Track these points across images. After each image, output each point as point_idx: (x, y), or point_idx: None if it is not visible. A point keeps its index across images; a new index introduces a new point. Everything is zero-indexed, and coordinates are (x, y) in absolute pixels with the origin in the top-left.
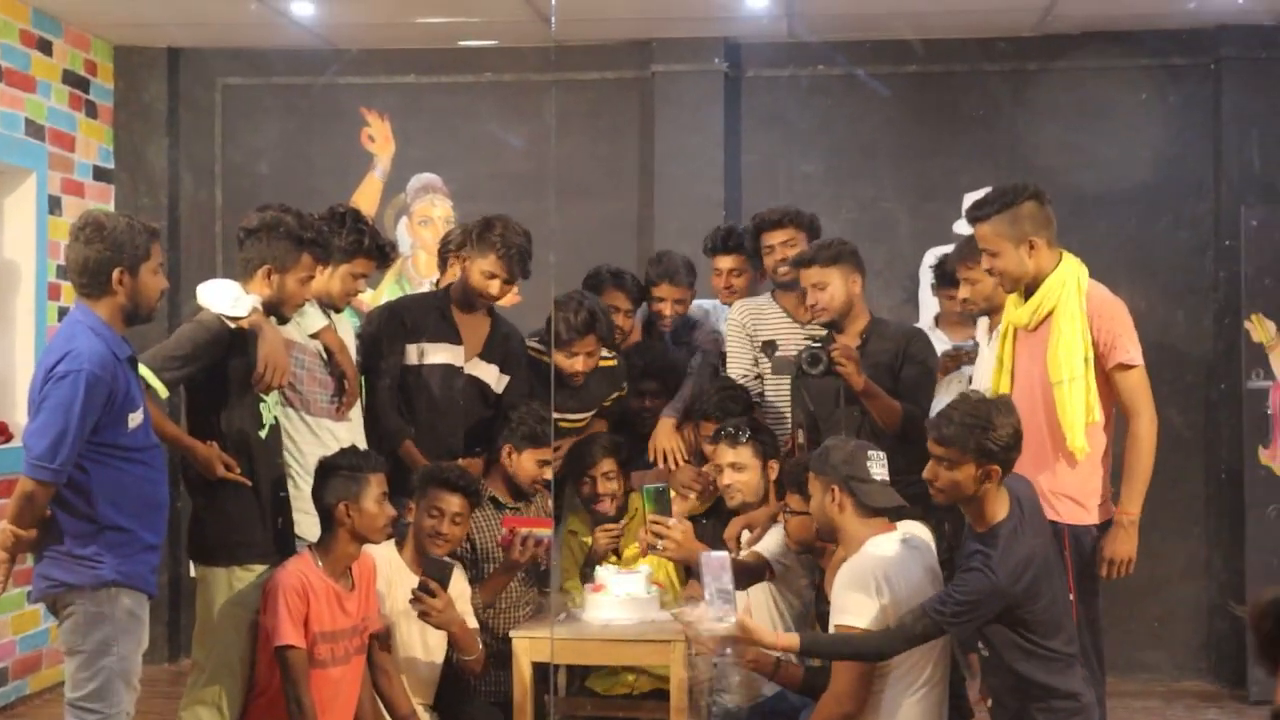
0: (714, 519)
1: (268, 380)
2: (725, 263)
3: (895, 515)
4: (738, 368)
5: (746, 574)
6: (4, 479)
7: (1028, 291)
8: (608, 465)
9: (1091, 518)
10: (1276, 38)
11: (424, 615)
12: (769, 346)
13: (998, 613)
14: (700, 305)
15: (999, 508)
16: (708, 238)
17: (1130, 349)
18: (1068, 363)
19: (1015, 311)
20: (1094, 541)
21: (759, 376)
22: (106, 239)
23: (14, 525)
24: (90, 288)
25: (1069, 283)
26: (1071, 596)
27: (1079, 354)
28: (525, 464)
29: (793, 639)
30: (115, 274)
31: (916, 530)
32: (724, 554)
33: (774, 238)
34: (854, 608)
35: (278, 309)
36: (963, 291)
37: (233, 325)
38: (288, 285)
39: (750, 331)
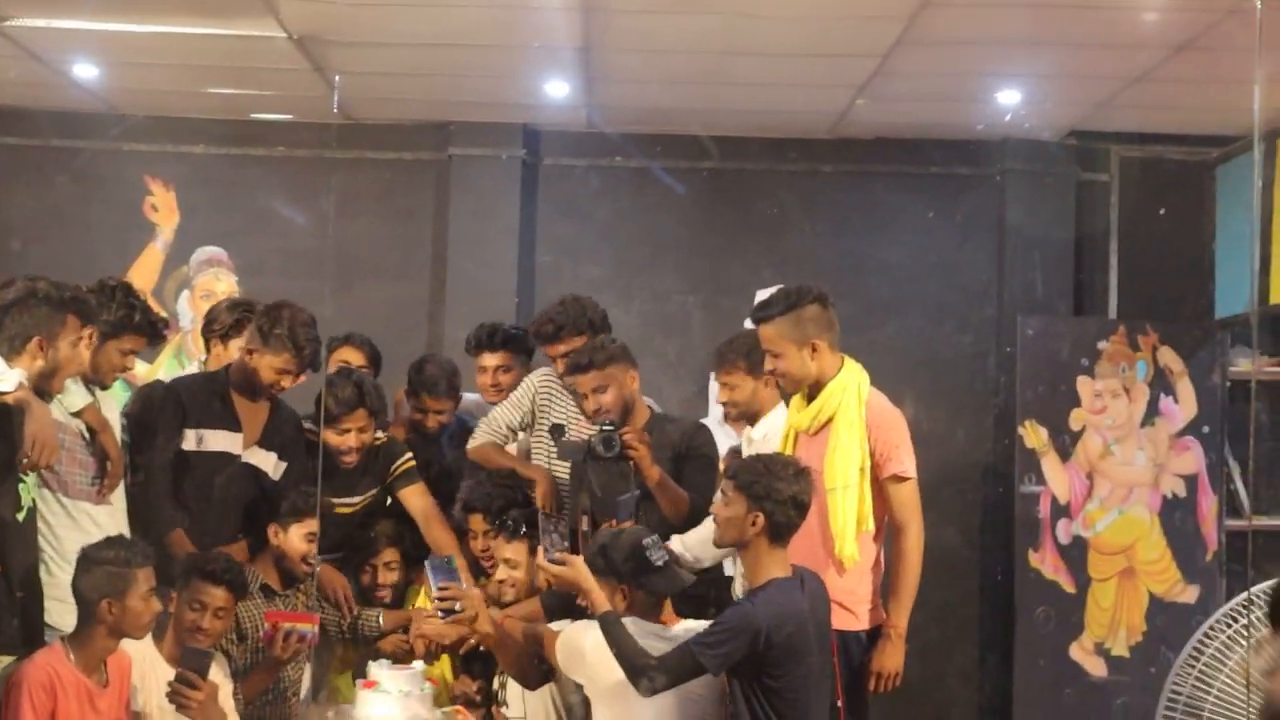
0: None
1: (35, 459)
2: (490, 360)
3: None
4: (501, 424)
5: (536, 673)
6: None
7: (810, 395)
8: (390, 555)
9: (860, 624)
10: (1057, 153)
11: (183, 709)
12: (556, 430)
13: (750, 655)
14: (471, 399)
15: (774, 567)
16: (470, 336)
17: (905, 461)
18: (843, 470)
19: (796, 415)
20: (863, 648)
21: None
22: None
23: None
24: None
25: (850, 389)
26: (839, 703)
27: (854, 462)
28: (292, 540)
29: (605, 604)
30: None
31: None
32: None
33: (556, 350)
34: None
35: (50, 380)
36: (722, 395)
37: None
38: (61, 351)
39: (538, 404)
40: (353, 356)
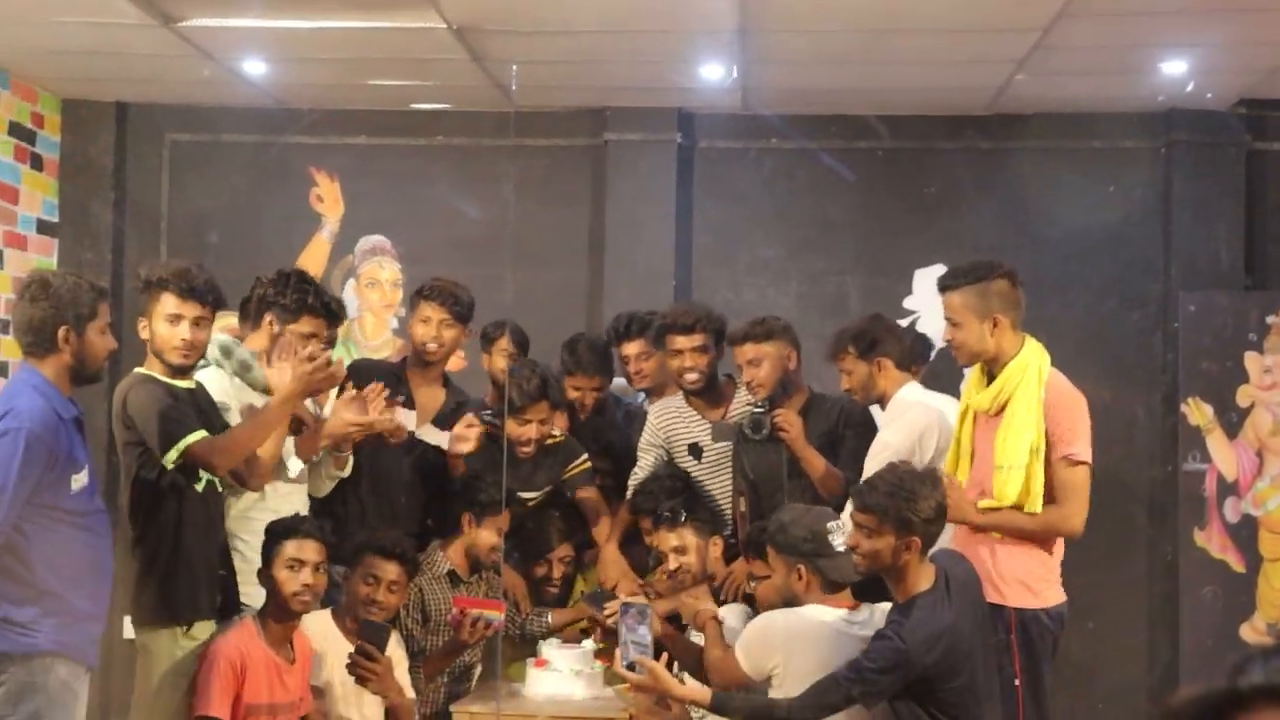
0: None
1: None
2: (632, 349)
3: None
4: (647, 470)
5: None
6: None
7: (990, 375)
8: (564, 550)
9: (1039, 601)
10: (1224, 122)
11: (361, 680)
12: (695, 449)
13: (907, 683)
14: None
15: (920, 580)
16: (608, 328)
17: (1077, 445)
18: (1014, 449)
19: (976, 395)
20: (1047, 627)
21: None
22: (52, 298)
23: None
24: (35, 346)
25: (1030, 369)
26: (1017, 682)
27: (1027, 442)
28: (484, 533)
29: (703, 692)
30: (61, 333)
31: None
32: (645, 605)
33: (681, 342)
34: (744, 656)
35: (159, 356)
36: (843, 383)
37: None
38: (155, 329)
39: (666, 436)
40: (506, 345)
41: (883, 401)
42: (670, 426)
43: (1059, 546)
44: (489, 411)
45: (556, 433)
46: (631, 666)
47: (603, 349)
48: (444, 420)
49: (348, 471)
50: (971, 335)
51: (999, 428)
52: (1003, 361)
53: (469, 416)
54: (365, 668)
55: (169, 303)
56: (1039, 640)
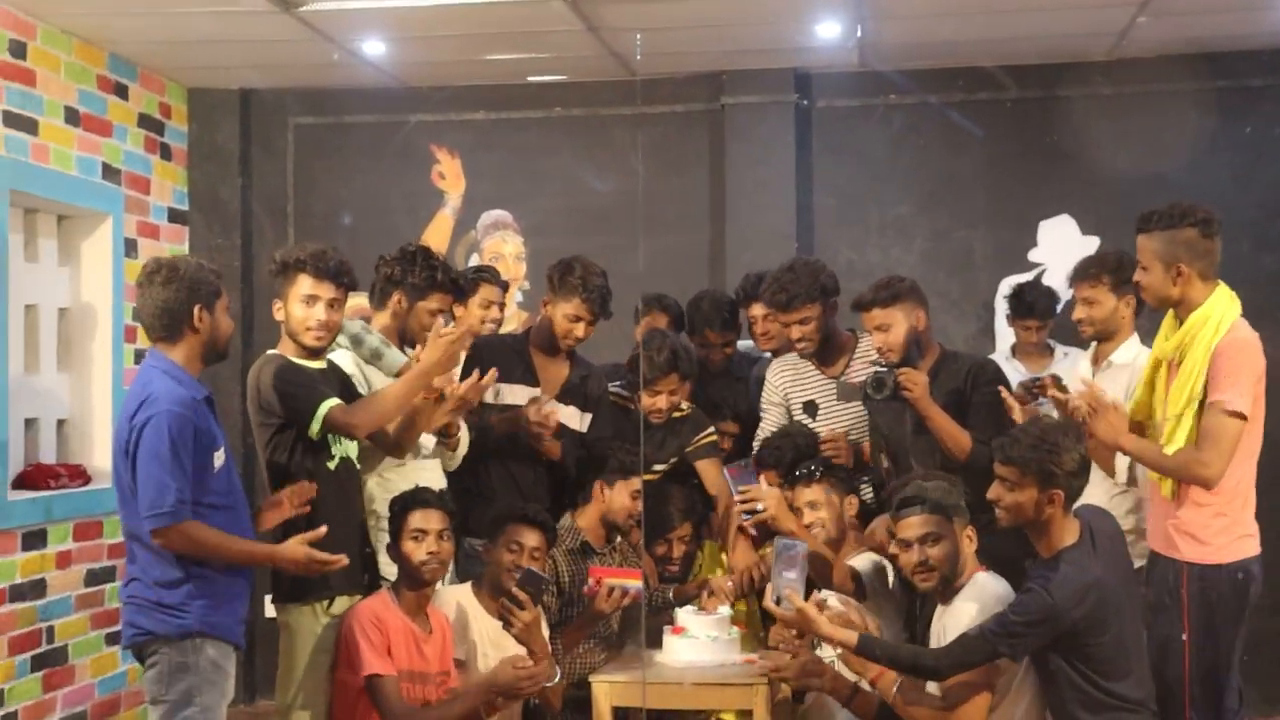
0: None
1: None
2: (759, 310)
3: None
4: (771, 428)
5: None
6: (81, 520)
7: (1180, 322)
8: (684, 530)
9: (1214, 556)
10: None
11: (510, 626)
12: (810, 407)
13: (1055, 637)
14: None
15: (1065, 534)
16: (738, 287)
17: (1228, 392)
18: (1176, 400)
19: (1162, 344)
20: (1226, 581)
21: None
22: (183, 280)
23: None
24: (168, 330)
25: (1211, 320)
26: (1184, 637)
27: (1188, 392)
28: (618, 497)
29: (850, 635)
30: (196, 312)
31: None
32: (802, 544)
33: (783, 317)
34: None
35: (294, 337)
36: (1079, 312)
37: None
38: (290, 310)
39: (785, 394)
40: (659, 321)
41: (1109, 339)
42: (788, 383)
43: (1241, 498)
44: (619, 383)
45: (685, 406)
46: (779, 603)
47: (728, 306)
48: (570, 394)
49: (463, 449)
50: (1154, 280)
51: (1177, 376)
52: (1188, 309)
53: (536, 408)
54: (515, 615)
55: (305, 284)
56: (1215, 596)
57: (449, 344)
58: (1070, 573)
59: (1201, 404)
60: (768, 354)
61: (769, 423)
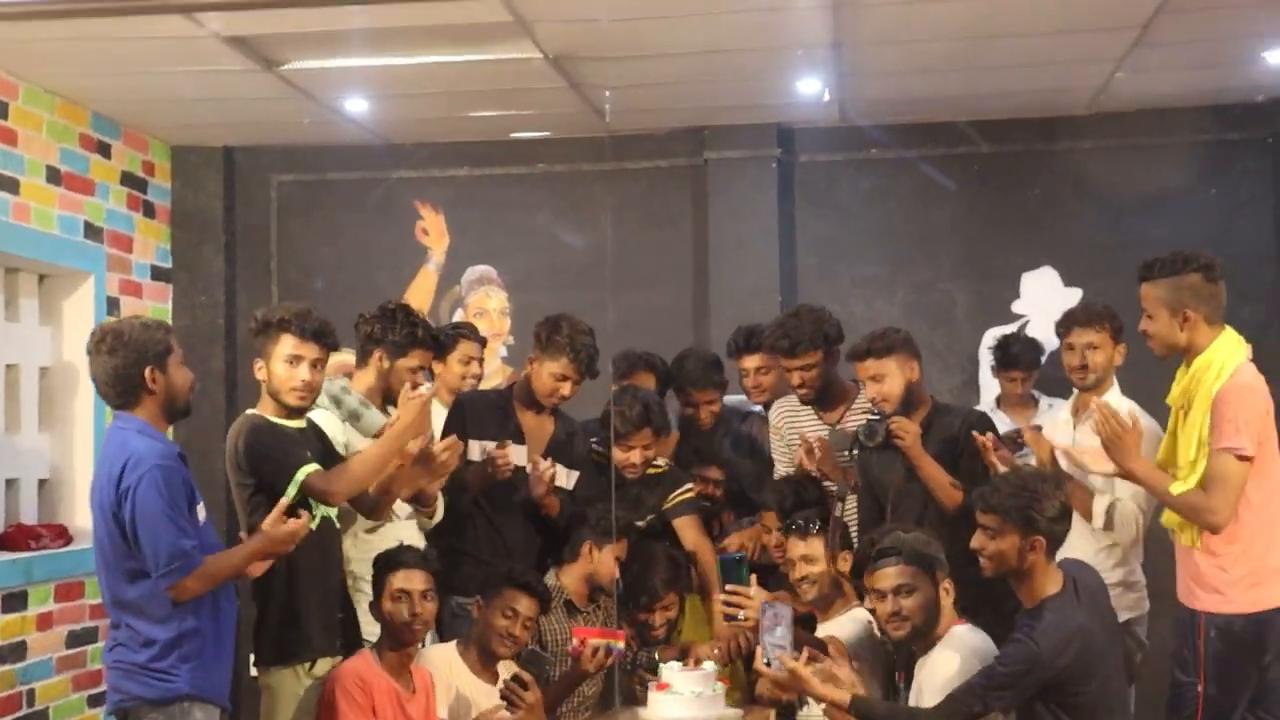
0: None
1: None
2: (751, 362)
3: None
4: (784, 469)
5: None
6: (63, 581)
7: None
8: (669, 599)
9: (1231, 606)
10: None
11: (513, 707)
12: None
13: (1041, 687)
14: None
15: (1048, 583)
16: (730, 340)
17: (1232, 436)
18: (1185, 449)
19: (1174, 391)
20: (1246, 630)
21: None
22: (128, 345)
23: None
24: (124, 396)
25: (1214, 365)
26: (1200, 689)
27: (1195, 440)
28: (605, 560)
29: (843, 695)
30: (148, 374)
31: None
32: (786, 607)
33: (785, 363)
34: None
35: (276, 397)
36: (1073, 359)
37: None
38: (273, 370)
39: (785, 434)
40: (645, 380)
41: (1100, 390)
42: (786, 424)
43: (1263, 545)
44: (596, 440)
45: (660, 462)
46: (770, 665)
47: (713, 362)
48: (557, 451)
49: (438, 517)
50: (1161, 328)
51: (1185, 423)
52: (1194, 355)
53: (497, 452)
54: (519, 695)
55: (288, 344)
56: (1231, 647)
57: (421, 404)
58: (1054, 620)
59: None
60: (758, 407)
61: (782, 465)
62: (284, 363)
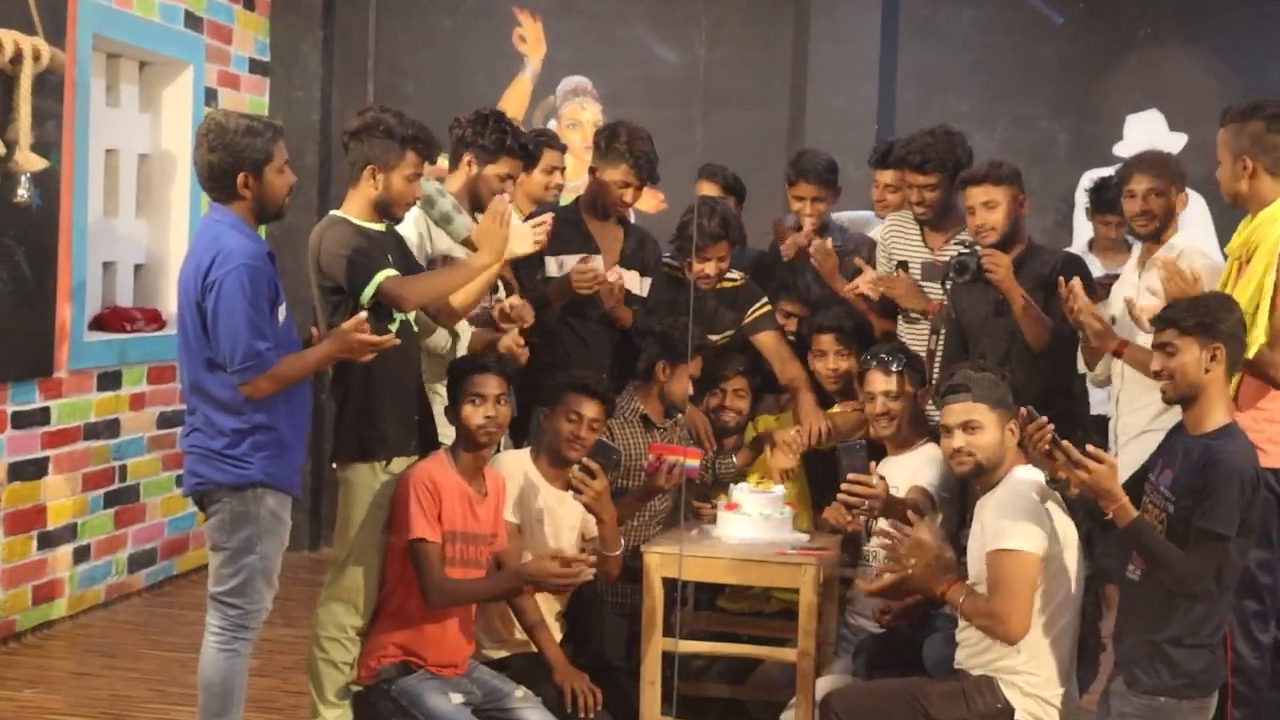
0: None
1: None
2: (885, 178)
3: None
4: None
5: (908, 508)
6: (155, 364)
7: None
8: (739, 383)
9: (1270, 460)
10: None
11: (580, 495)
12: (901, 267)
13: (1250, 502)
14: (846, 217)
15: (1227, 410)
16: (872, 151)
17: None
18: (1242, 298)
19: (1234, 241)
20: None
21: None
22: (228, 145)
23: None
24: (219, 191)
25: (1278, 220)
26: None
27: (1252, 290)
28: (678, 381)
29: (1129, 508)
30: (240, 179)
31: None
32: (859, 444)
33: (911, 178)
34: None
35: (388, 208)
36: (1139, 203)
37: None
38: (394, 184)
39: (889, 249)
40: (708, 188)
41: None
42: (892, 240)
43: None
44: (668, 254)
45: (736, 275)
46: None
47: (829, 164)
48: (629, 259)
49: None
50: (1225, 175)
51: (1244, 274)
52: (1258, 206)
53: (579, 265)
54: (586, 483)
55: (412, 160)
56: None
57: (502, 242)
58: (1243, 438)
59: (1273, 302)
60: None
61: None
62: (405, 180)
